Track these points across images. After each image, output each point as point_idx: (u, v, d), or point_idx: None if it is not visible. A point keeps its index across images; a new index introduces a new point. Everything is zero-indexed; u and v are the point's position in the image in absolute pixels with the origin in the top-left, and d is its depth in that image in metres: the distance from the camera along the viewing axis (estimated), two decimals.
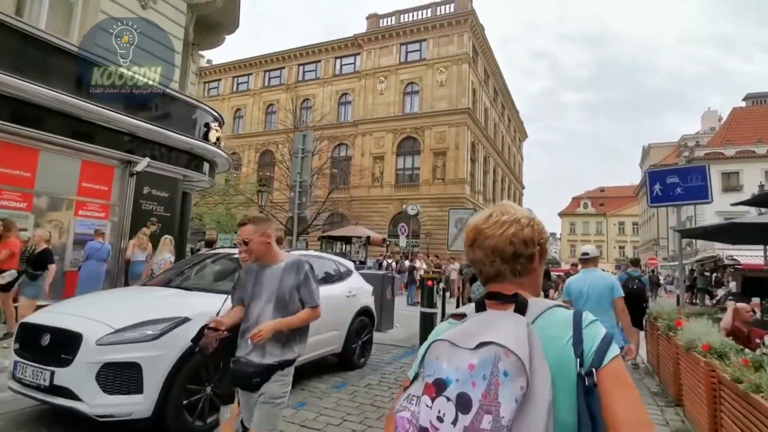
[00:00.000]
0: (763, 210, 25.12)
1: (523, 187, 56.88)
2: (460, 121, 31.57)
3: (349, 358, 5.34)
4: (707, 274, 18.53)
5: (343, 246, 20.08)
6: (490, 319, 0.81)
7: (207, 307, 3.03)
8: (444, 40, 33.00)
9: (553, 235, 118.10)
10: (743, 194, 26.35)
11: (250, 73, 41.09)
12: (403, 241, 19.02)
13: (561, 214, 74.76)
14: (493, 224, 0.89)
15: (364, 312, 5.69)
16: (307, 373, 4.93)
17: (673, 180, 7.20)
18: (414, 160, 33.35)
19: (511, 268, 0.88)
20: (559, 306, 0.85)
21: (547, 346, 0.75)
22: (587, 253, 4.38)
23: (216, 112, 9.95)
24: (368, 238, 16.42)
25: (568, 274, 8.06)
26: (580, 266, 4.60)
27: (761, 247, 22.04)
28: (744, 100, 32.57)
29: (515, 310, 0.82)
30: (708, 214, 26.90)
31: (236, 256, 3.87)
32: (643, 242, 51.06)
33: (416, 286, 15.02)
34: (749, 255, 16.84)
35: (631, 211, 64.32)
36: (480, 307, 0.87)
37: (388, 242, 17.68)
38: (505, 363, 0.71)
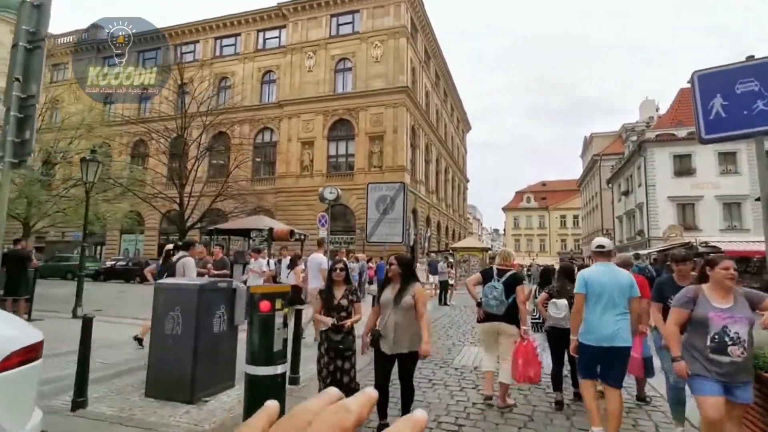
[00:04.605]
0: (725, 192, 23.51)
1: (468, 181, 54.87)
2: (398, 101, 28.12)
3: None
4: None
5: (248, 242, 15.82)
6: None
7: None
8: (379, 12, 29.42)
9: (496, 231, 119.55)
10: (696, 178, 25.03)
11: (158, 47, 35.22)
12: (323, 235, 15.06)
13: (505, 209, 74.19)
14: None
15: None
16: None
17: (750, 87, 3.77)
18: (348, 145, 29.49)
19: None
20: None
21: None
22: (603, 246, 3.91)
23: None
24: (271, 230, 12.34)
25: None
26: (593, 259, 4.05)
27: (749, 231, 19.71)
28: (689, 82, 31.78)
29: None
30: (660, 200, 25.34)
31: None
32: (586, 234, 50.49)
33: None
34: (733, 240, 14.79)
35: (572, 204, 64.59)
36: None
37: (300, 236, 13.68)
38: None
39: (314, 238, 18.24)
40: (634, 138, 28.84)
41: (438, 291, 14.93)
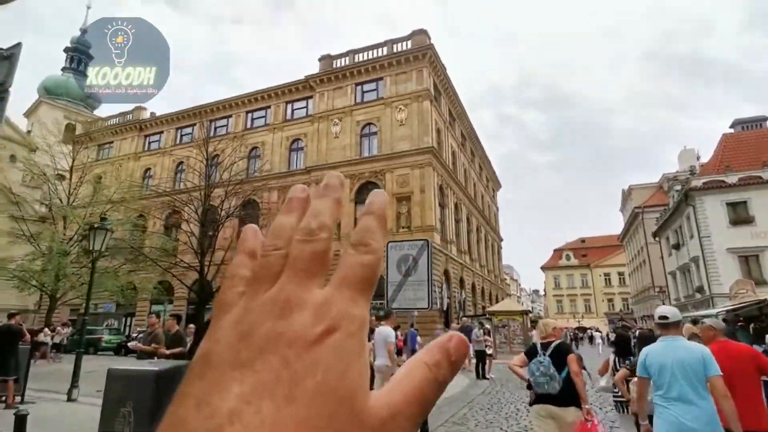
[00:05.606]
0: None
1: (501, 239, 53.14)
2: (424, 161, 27.92)
3: None
4: (751, 326, 13.96)
5: None
6: None
7: None
8: (402, 77, 30.23)
9: (536, 292, 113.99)
10: (756, 227, 22.75)
11: (194, 123, 37.22)
12: None
13: (544, 268, 70.96)
14: None
15: None
16: None
17: None
18: None
19: None
20: None
21: None
22: (666, 317, 3.26)
23: None
24: None
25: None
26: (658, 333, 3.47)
27: None
28: (732, 126, 30.37)
29: None
30: (718, 253, 23.02)
31: None
32: (636, 292, 46.83)
33: None
34: None
35: (616, 260, 61.15)
36: None
37: None
38: None
39: None
40: (678, 187, 27.08)
41: (474, 362, 13.32)
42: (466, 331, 14.57)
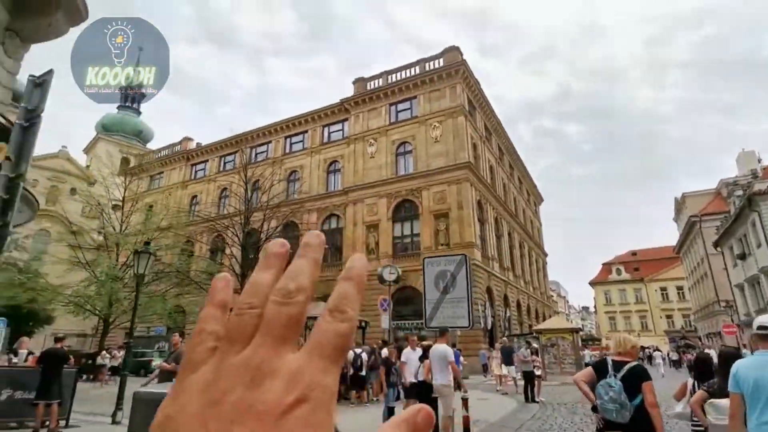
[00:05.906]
0: None
1: (546, 255, 51.15)
2: (461, 177, 27.49)
3: None
4: None
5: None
6: None
7: None
8: (435, 95, 30.21)
9: (585, 309, 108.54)
10: None
11: (236, 151, 38.72)
12: (385, 321, 13.70)
13: (593, 283, 67.50)
14: None
15: None
16: None
17: None
18: (413, 225, 28.85)
19: None
20: None
21: None
22: (766, 327, 2.84)
23: None
24: None
25: None
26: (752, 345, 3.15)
27: None
28: None
29: None
30: None
31: None
32: (699, 308, 43.45)
33: (395, 390, 9.78)
34: None
35: (673, 273, 57.25)
36: None
37: (364, 324, 12.48)
38: None
39: (375, 325, 17.01)
40: (740, 192, 25.09)
41: (521, 384, 12.56)
42: (507, 351, 13.85)
